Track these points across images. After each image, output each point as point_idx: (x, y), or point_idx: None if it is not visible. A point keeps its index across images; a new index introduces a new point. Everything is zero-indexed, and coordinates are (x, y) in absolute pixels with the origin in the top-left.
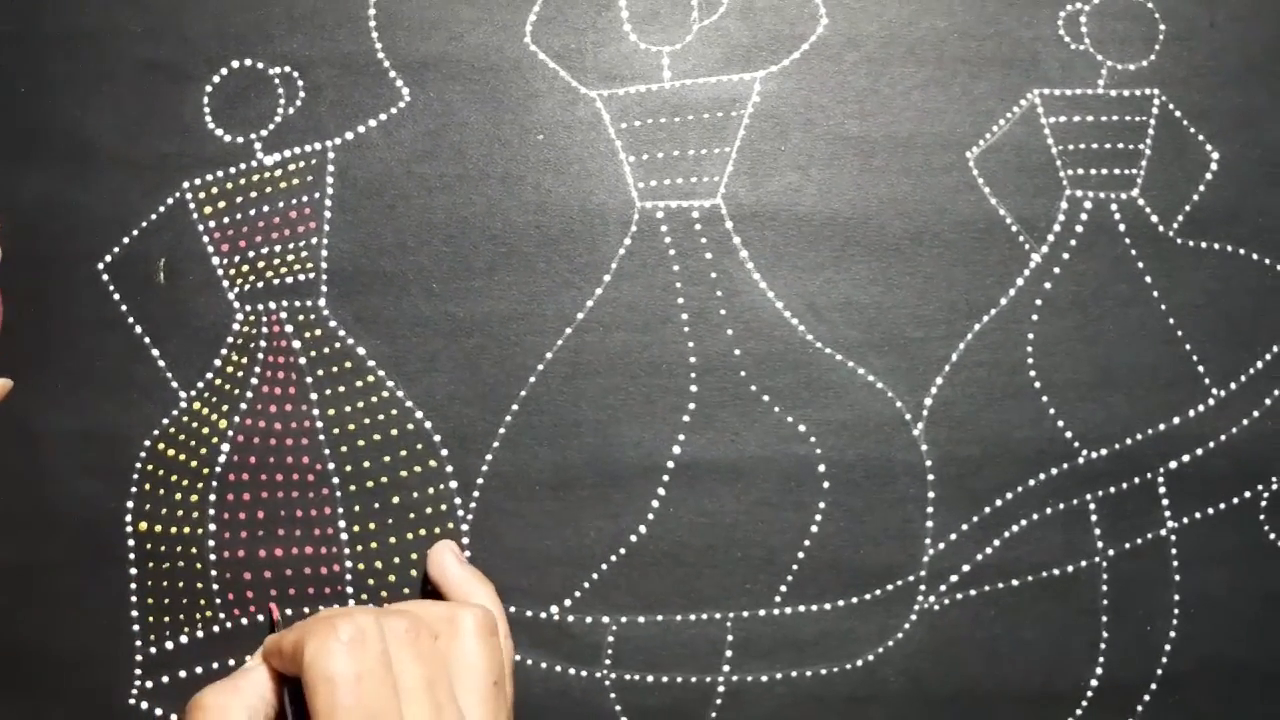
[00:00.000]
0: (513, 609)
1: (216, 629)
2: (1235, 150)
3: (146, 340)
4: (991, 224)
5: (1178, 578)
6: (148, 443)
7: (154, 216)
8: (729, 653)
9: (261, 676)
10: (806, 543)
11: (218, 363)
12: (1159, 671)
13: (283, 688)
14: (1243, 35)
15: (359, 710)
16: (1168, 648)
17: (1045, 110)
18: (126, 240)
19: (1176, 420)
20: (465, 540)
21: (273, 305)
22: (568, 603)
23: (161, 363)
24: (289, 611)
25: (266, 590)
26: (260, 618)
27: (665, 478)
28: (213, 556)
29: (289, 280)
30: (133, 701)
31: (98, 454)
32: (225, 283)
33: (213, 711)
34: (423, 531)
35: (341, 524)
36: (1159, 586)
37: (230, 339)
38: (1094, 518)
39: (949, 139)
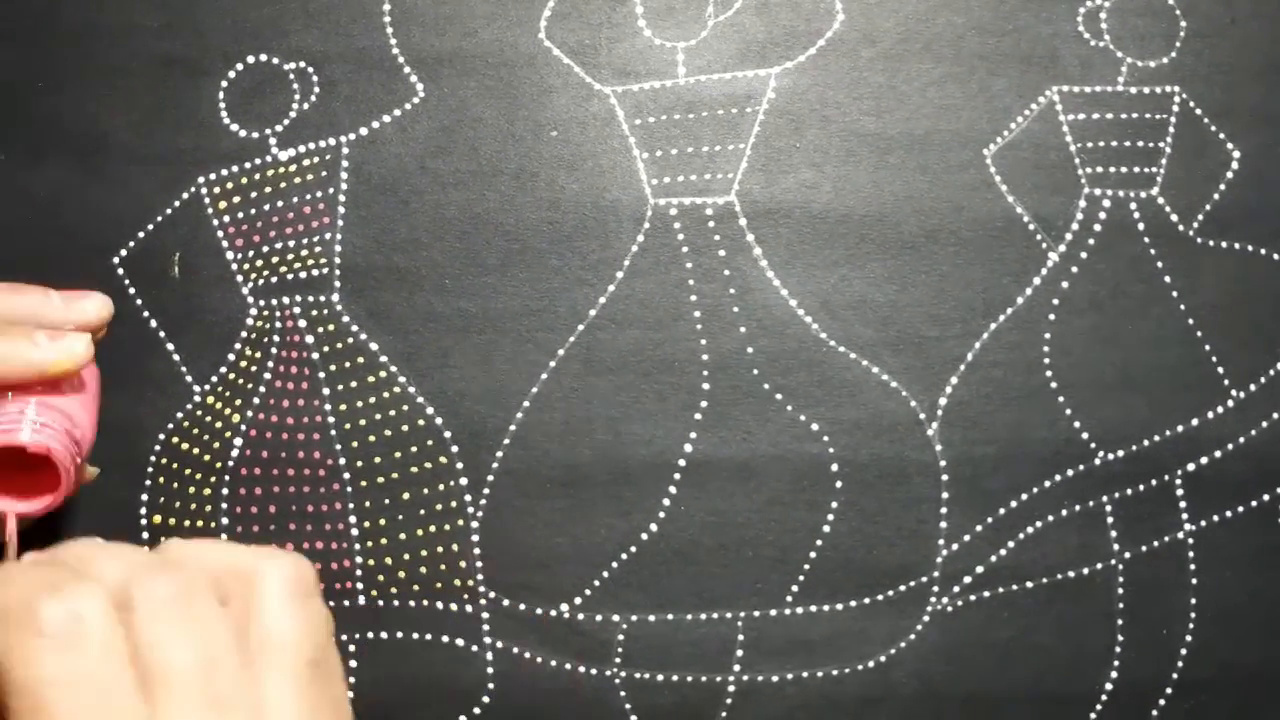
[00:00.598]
0: (522, 606)
1: None
2: (1257, 148)
3: (161, 334)
4: (1009, 222)
5: (1195, 581)
6: (162, 436)
7: (169, 211)
8: (740, 652)
9: None
10: (819, 542)
11: (231, 357)
12: (1175, 676)
13: None
14: (1264, 32)
15: None
16: (1184, 652)
17: (1064, 107)
18: (141, 235)
19: (1195, 422)
20: (475, 538)
21: (286, 300)
22: (578, 600)
23: (176, 357)
24: None
25: None
26: None
27: (677, 476)
28: None
29: (303, 275)
30: None
31: (112, 447)
32: (239, 277)
33: None
34: (433, 528)
35: (352, 519)
36: (1176, 590)
37: (244, 333)
38: (1110, 520)
39: (966, 136)
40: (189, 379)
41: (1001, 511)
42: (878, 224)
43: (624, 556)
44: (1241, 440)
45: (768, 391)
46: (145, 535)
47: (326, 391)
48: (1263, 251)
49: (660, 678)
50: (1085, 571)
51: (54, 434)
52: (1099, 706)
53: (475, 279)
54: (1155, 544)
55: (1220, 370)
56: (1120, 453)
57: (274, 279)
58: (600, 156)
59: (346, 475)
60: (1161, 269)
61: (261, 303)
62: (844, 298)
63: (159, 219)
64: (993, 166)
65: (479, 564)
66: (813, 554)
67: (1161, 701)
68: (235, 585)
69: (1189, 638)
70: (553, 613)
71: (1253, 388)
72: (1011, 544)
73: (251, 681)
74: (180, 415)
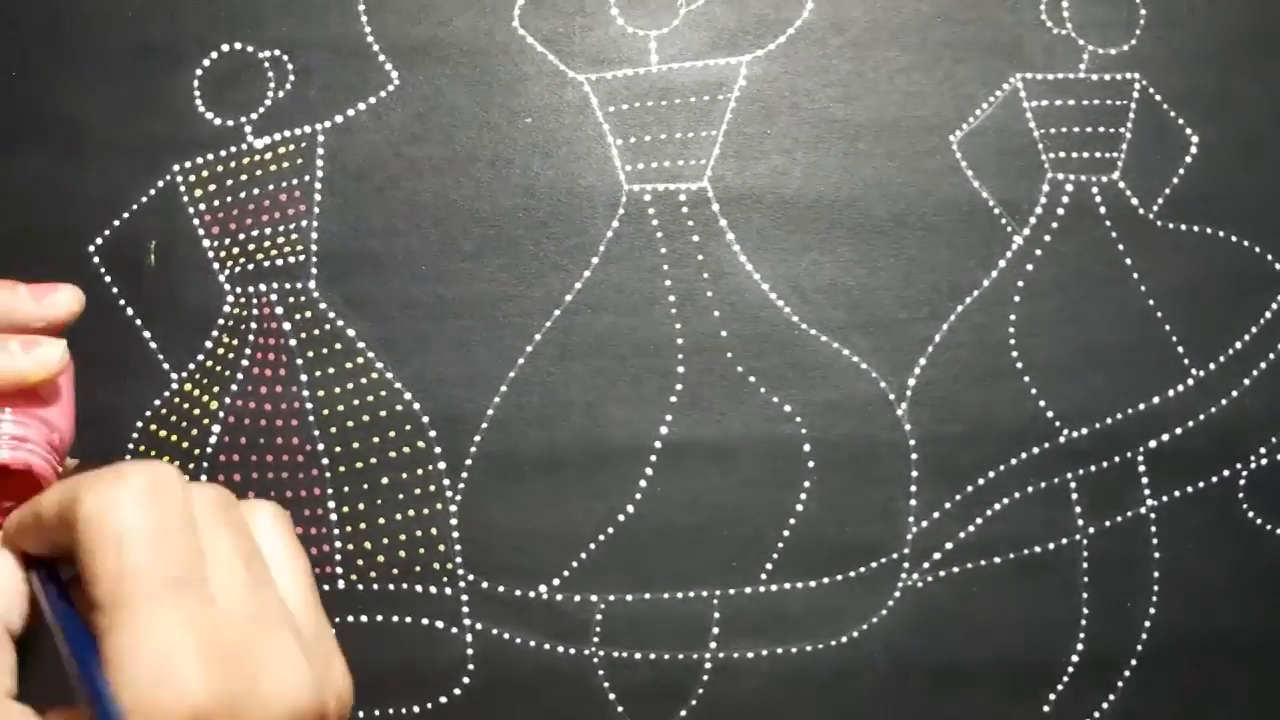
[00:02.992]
0: (501, 588)
1: None
2: (1214, 133)
3: (138, 322)
4: (974, 206)
5: (1157, 555)
6: (140, 424)
7: (144, 199)
8: (716, 630)
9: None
10: (792, 521)
11: (209, 344)
12: (1139, 647)
13: (31, 573)
14: (1222, 19)
15: (154, 574)
16: (1147, 624)
17: (1027, 94)
18: (117, 223)
19: (1156, 400)
20: (454, 521)
21: (263, 287)
22: (556, 582)
23: (153, 345)
24: None
25: None
26: None
27: (653, 458)
28: None
29: (279, 263)
30: None
31: (90, 436)
32: (216, 265)
33: None
34: (411, 512)
35: (331, 504)
36: (1139, 564)
37: (221, 321)
38: (1075, 496)
39: (933, 122)
40: (166, 367)
41: (969, 489)
42: (847, 209)
43: (601, 537)
44: (1202, 417)
45: (741, 374)
46: None
47: (304, 378)
48: (1220, 234)
49: (638, 656)
50: (1051, 546)
51: (33, 447)
52: (1065, 677)
53: (451, 265)
54: (1119, 519)
55: (1180, 350)
56: (1084, 430)
57: (250, 266)
58: (575, 143)
59: (325, 461)
60: (1123, 251)
61: (238, 290)
62: (815, 281)
63: (134, 207)
64: (959, 152)
65: (458, 547)
66: (786, 532)
67: (1127, 671)
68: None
69: (1152, 610)
70: (531, 594)
71: (1212, 366)
72: (979, 520)
73: (269, 579)
74: (158, 403)
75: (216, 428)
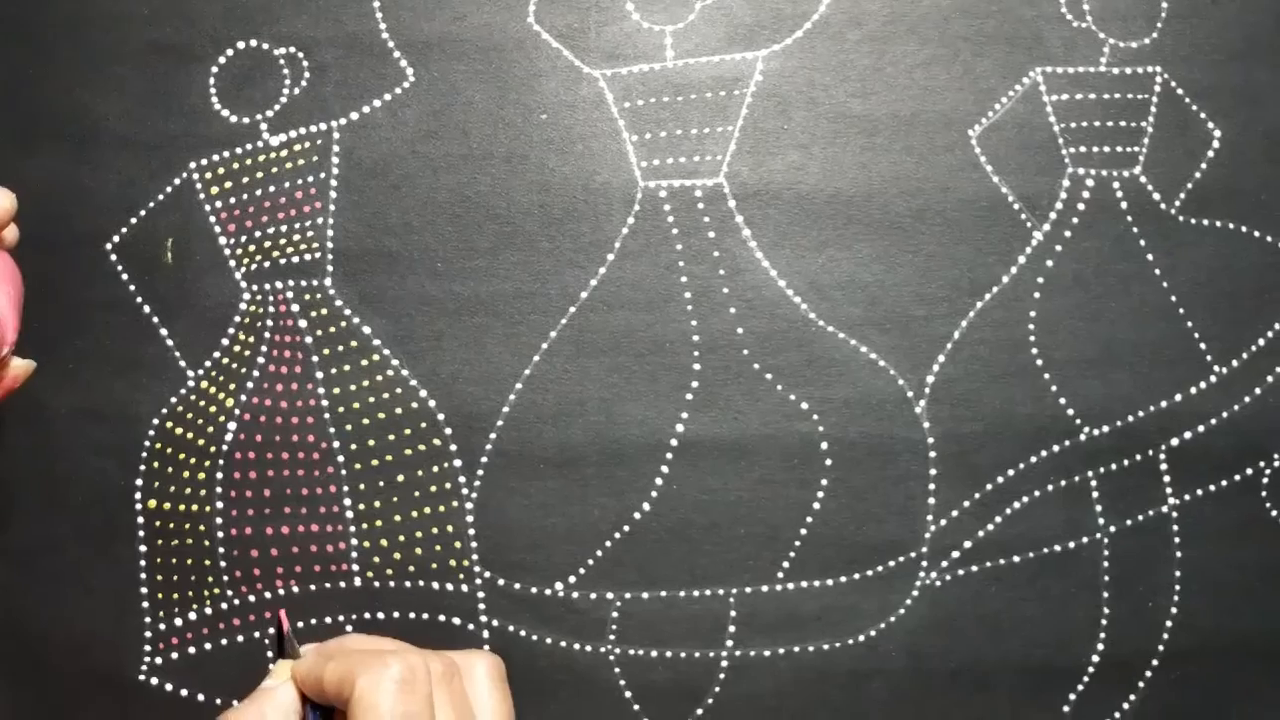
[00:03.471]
0: (517, 586)
1: (224, 605)
2: (1237, 127)
3: (154, 320)
4: (994, 202)
5: (1179, 554)
6: (156, 421)
7: (161, 197)
8: (732, 628)
9: (286, 698)
10: (809, 519)
11: (225, 342)
12: (1160, 648)
13: (307, 710)
14: (1244, 12)
15: None
16: (1169, 624)
17: (1048, 88)
18: (134, 221)
19: (1178, 397)
20: (470, 519)
21: (279, 285)
22: (572, 579)
23: (169, 342)
24: (295, 589)
25: (273, 567)
26: (268, 595)
27: (669, 455)
28: (220, 534)
29: (295, 260)
30: (142, 678)
31: (107, 433)
32: (232, 263)
33: None
34: (427, 510)
35: (347, 502)
36: (1160, 563)
37: (237, 318)
38: (1095, 494)
39: (951, 117)
40: (183, 364)
41: (988, 487)
42: (865, 205)
43: (617, 535)
44: (1224, 415)
45: (758, 371)
46: (140, 520)
47: (320, 375)
48: (1243, 229)
49: (654, 654)
50: (1071, 545)
51: None
52: (1086, 678)
53: (467, 262)
54: (1140, 518)
55: (1203, 346)
56: (1105, 428)
57: (266, 264)
58: (590, 140)
59: (341, 458)
60: (1144, 247)
61: (254, 287)
62: (832, 278)
63: (151, 205)
64: (978, 147)
65: (474, 544)
66: (803, 531)
67: (1148, 672)
68: (462, 670)
69: (1174, 610)
70: (547, 591)
71: (1235, 363)
72: (998, 519)
73: None
74: (174, 400)
75: (233, 425)
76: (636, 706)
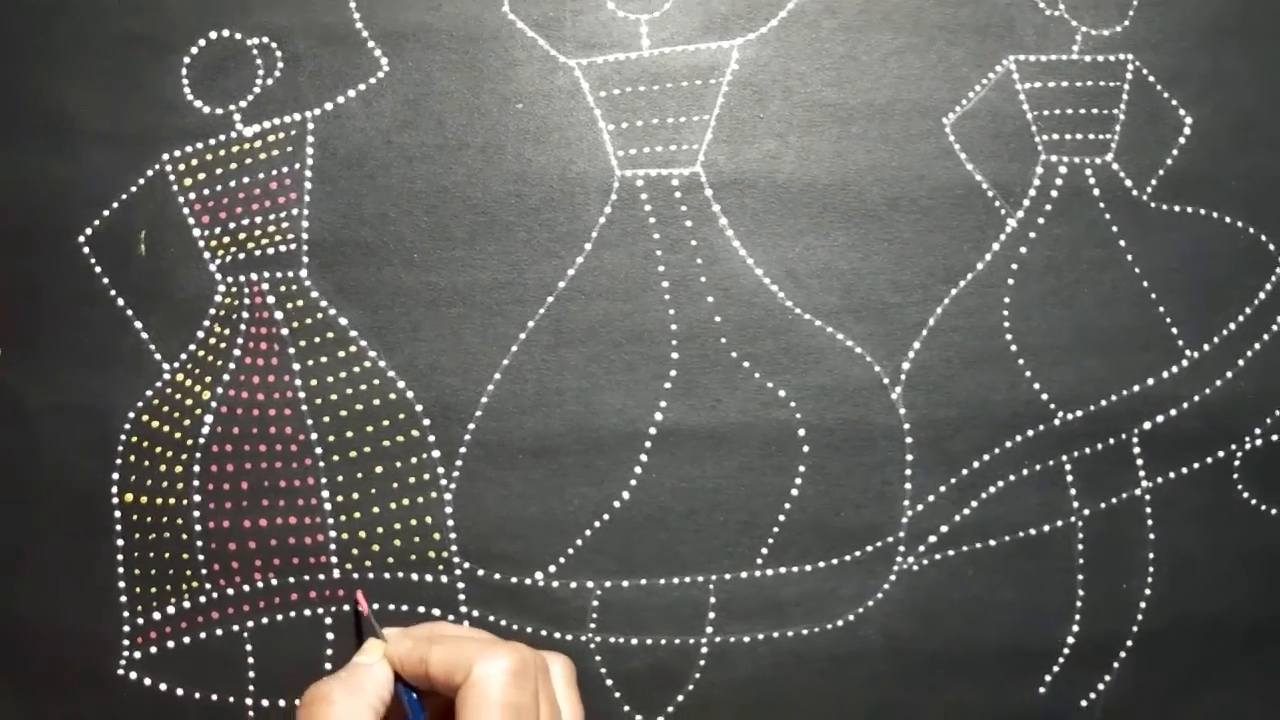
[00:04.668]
0: (497, 576)
1: (203, 599)
2: (1208, 114)
3: (129, 313)
4: (968, 189)
5: (1152, 536)
6: (132, 415)
7: (134, 189)
8: (712, 614)
9: (382, 677)
10: (787, 506)
11: (200, 334)
12: (1134, 628)
13: (399, 689)
14: (1215, 0)
15: None
16: (1143, 605)
17: (1020, 76)
18: (107, 213)
19: (1151, 381)
20: (449, 509)
21: (254, 276)
22: (552, 569)
23: (144, 335)
24: (274, 581)
25: (251, 560)
26: (246, 588)
27: (647, 444)
28: (198, 527)
29: (270, 251)
30: (121, 672)
31: (82, 427)
32: (206, 254)
33: (339, 706)
34: (406, 500)
35: (325, 494)
36: (1134, 545)
37: (212, 310)
38: (1070, 478)
39: (926, 105)
40: (158, 357)
41: (964, 472)
42: (840, 193)
43: (596, 524)
44: (1196, 399)
45: (735, 360)
46: (117, 514)
47: (296, 367)
48: (1215, 215)
49: (634, 641)
50: (1046, 529)
51: None
52: (1061, 659)
53: (444, 253)
54: (1114, 501)
55: (1174, 331)
56: (1078, 413)
57: (241, 255)
58: (566, 129)
59: (318, 450)
60: (1116, 233)
61: (229, 279)
62: (808, 266)
63: (124, 197)
64: (952, 135)
65: (453, 535)
66: (781, 517)
67: (1122, 652)
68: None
69: (1148, 591)
70: (527, 581)
71: (1206, 348)
72: (974, 503)
73: None
74: (150, 393)
75: (209, 418)
76: (618, 694)
